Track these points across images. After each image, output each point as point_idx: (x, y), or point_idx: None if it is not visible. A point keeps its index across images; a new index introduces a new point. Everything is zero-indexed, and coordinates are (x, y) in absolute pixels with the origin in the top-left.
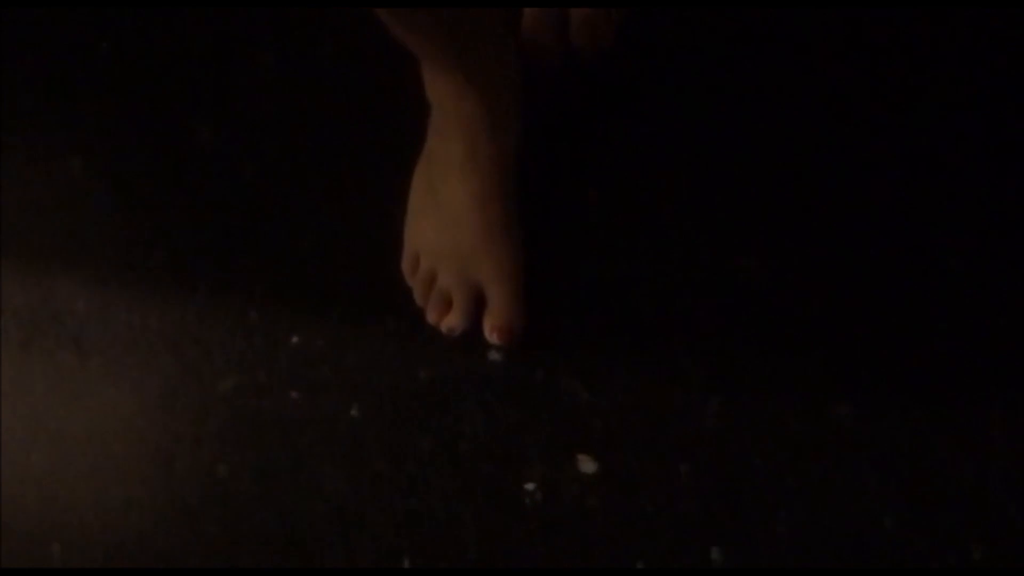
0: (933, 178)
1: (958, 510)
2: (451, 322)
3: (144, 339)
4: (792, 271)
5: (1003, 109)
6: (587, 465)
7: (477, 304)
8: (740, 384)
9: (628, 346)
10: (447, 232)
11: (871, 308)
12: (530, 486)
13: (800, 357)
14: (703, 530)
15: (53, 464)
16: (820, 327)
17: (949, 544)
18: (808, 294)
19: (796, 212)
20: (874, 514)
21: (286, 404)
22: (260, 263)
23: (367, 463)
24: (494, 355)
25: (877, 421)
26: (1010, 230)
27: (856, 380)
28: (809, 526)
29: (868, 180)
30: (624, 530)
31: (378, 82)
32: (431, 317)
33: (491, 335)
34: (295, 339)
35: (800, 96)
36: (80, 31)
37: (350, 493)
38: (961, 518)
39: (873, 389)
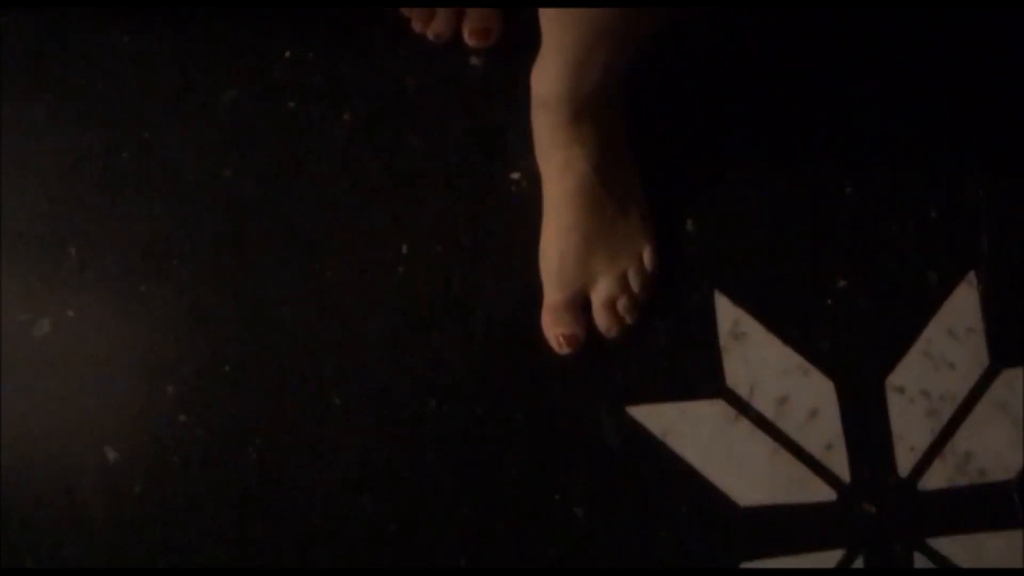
0: None
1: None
2: (437, 28)
3: (147, 59)
4: None
5: None
6: None
7: (459, 14)
8: None
9: None
10: None
11: None
12: (515, 175)
13: None
14: (675, 205)
15: (63, 176)
16: None
17: (906, 206)
18: None
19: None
20: (837, 183)
21: (283, 113)
22: None
23: (360, 162)
24: (475, 60)
25: None
26: None
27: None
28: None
29: None
30: None
31: None
32: (417, 26)
33: (469, 38)
34: (288, 53)
35: None
36: None
37: (346, 189)
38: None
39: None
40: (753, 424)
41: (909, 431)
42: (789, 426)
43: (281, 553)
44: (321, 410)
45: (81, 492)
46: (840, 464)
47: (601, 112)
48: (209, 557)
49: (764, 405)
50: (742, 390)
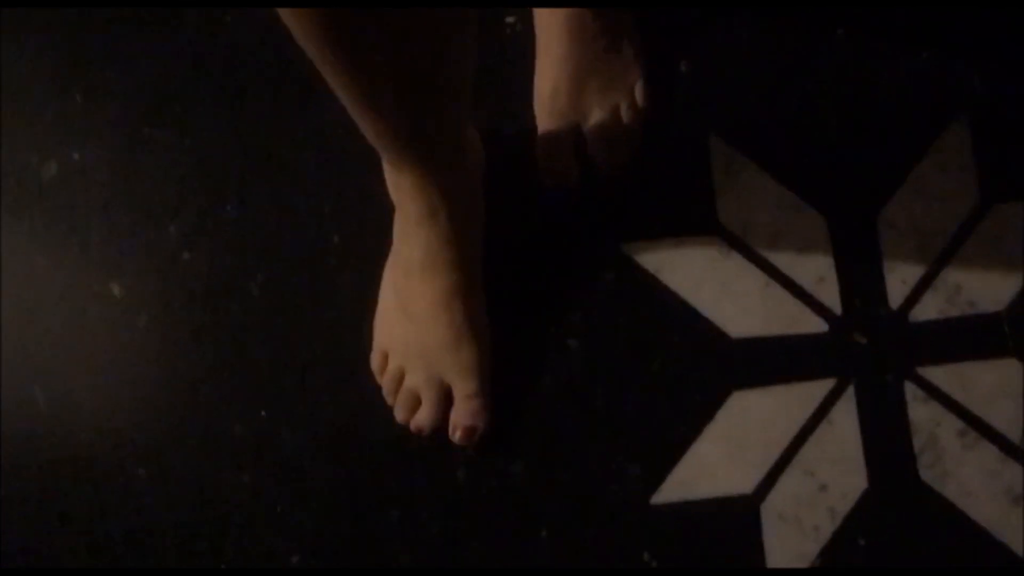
0: None
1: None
2: (420, 421)
3: None
4: None
5: None
6: None
7: (446, 402)
8: None
9: None
10: (414, 332)
11: None
12: (511, 19)
13: None
14: (670, 47)
15: (66, 24)
16: None
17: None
18: None
19: None
20: (830, 25)
21: None
22: None
23: None
24: None
25: None
26: None
27: None
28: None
29: None
30: None
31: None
32: (400, 415)
33: (454, 434)
34: None
35: None
36: None
37: None
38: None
39: None
40: (745, 259)
41: (900, 265)
42: (781, 261)
43: (281, 379)
44: (320, 247)
45: (88, 324)
46: (832, 297)
47: None
48: (212, 384)
49: (756, 241)
50: (735, 227)
